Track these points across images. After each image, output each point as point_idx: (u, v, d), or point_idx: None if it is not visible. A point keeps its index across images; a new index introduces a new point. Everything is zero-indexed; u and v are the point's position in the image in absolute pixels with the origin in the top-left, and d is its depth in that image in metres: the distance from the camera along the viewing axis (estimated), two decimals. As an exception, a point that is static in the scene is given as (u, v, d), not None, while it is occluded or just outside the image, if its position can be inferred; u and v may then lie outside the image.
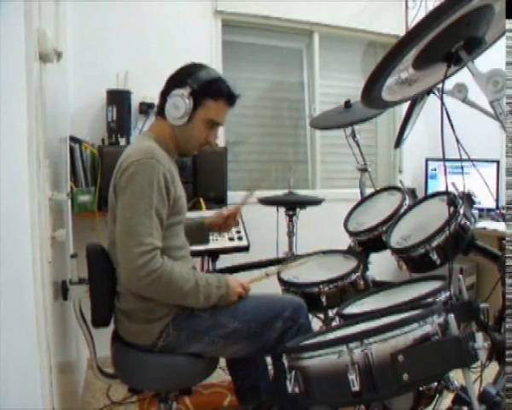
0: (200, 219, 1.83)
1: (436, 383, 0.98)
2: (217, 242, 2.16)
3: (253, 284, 1.52)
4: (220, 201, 2.56)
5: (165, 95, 1.46)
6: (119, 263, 1.35)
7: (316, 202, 2.18)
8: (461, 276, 1.30)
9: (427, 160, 3.25)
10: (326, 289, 1.62)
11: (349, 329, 1.12)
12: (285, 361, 1.02)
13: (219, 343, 1.43)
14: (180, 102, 1.41)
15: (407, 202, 1.77)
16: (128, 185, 1.33)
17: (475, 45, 1.01)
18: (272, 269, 1.70)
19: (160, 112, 1.48)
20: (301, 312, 1.48)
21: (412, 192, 1.83)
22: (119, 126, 2.47)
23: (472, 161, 1.22)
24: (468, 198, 1.43)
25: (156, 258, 1.30)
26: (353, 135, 2.24)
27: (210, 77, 1.45)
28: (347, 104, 2.19)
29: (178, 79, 1.46)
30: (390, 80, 1.03)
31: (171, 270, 1.32)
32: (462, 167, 1.13)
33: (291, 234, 2.22)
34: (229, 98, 1.48)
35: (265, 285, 1.79)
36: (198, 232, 1.75)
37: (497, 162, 2.89)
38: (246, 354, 1.50)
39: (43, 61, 1.26)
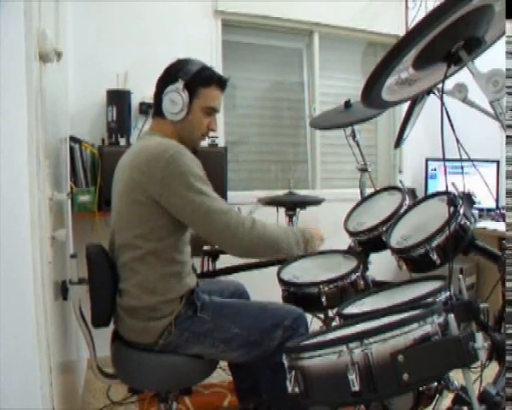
0: None
1: (436, 383, 0.98)
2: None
3: None
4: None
5: (159, 95, 1.48)
6: (216, 242, 1.47)
7: (316, 202, 2.18)
8: (461, 276, 1.30)
9: (427, 160, 3.24)
10: (326, 289, 1.62)
11: (349, 329, 1.12)
12: (285, 361, 1.01)
13: (220, 347, 1.44)
14: (176, 96, 1.44)
15: (407, 202, 1.76)
16: (179, 176, 1.35)
17: (475, 45, 1.01)
18: None
19: (158, 112, 1.49)
20: (301, 322, 1.49)
21: (412, 192, 1.83)
22: (119, 126, 2.47)
23: (472, 161, 1.22)
24: (468, 198, 1.42)
25: (239, 213, 1.40)
26: (353, 135, 2.24)
27: (197, 67, 1.49)
28: (347, 104, 2.19)
29: (169, 76, 1.48)
30: (390, 80, 1.03)
31: (256, 220, 1.42)
32: (462, 167, 1.12)
33: (291, 234, 2.21)
34: (220, 82, 1.52)
35: (266, 287, 1.80)
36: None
37: (497, 162, 2.88)
38: (245, 361, 1.51)
39: (43, 61, 1.25)
